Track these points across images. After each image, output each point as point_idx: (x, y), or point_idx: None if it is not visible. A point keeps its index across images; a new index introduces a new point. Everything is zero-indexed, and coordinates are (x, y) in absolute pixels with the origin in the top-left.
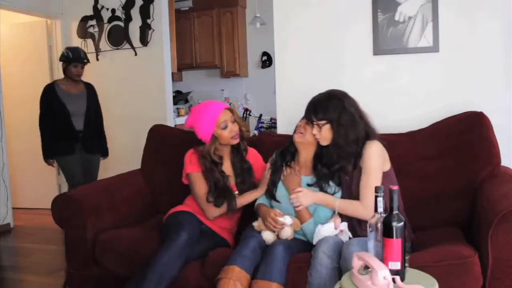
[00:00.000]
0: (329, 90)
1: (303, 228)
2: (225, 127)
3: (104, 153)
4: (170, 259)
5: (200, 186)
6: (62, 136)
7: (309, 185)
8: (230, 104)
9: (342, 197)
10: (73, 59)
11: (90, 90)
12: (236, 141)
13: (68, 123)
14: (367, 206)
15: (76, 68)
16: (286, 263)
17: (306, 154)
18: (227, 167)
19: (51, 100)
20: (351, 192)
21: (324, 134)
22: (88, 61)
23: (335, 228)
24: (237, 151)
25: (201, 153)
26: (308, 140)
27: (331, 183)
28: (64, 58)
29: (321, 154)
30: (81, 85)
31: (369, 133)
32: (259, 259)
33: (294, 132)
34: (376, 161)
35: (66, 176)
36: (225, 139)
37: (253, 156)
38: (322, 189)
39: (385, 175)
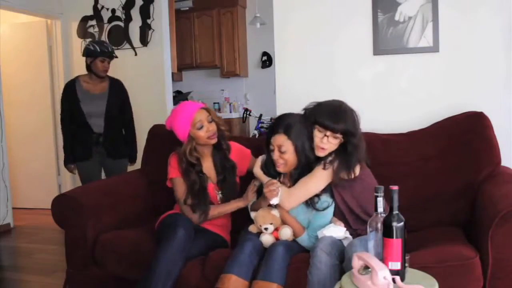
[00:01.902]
0: (339, 102)
1: (299, 242)
2: (201, 127)
3: (131, 157)
4: (172, 256)
5: (180, 191)
6: (80, 139)
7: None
8: (230, 104)
9: (337, 209)
10: (100, 53)
11: (114, 88)
12: (213, 141)
13: (85, 125)
14: (292, 194)
15: (103, 63)
16: (286, 263)
17: (290, 170)
18: (208, 166)
19: (68, 98)
20: (346, 204)
21: (333, 145)
22: (116, 56)
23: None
24: (218, 150)
25: (179, 155)
26: (290, 165)
27: (322, 198)
28: (90, 52)
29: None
30: (105, 82)
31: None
32: (256, 261)
33: (273, 164)
34: (328, 172)
35: (81, 182)
36: (202, 139)
37: (237, 152)
38: (313, 205)
39: (357, 179)
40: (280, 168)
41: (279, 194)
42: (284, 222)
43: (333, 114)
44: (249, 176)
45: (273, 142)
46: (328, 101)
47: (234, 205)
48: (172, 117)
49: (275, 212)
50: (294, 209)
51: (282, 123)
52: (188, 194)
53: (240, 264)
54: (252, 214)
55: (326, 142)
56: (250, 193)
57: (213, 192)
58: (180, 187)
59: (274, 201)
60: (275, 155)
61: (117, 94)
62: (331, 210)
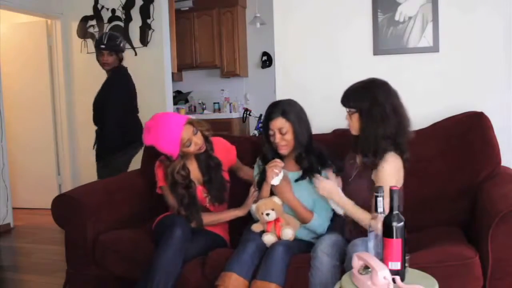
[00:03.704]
0: (371, 78)
1: (310, 227)
2: (190, 145)
3: (97, 155)
4: (171, 256)
5: (172, 199)
6: None
7: (296, 180)
8: (230, 104)
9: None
10: (95, 46)
11: (107, 80)
12: (202, 150)
13: None
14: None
15: (102, 56)
16: (286, 264)
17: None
18: (193, 168)
19: None
20: (350, 192)
21: (354, 123)
22: (109, 47)
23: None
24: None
25: (165, 168)
26: (291, 145)
27: (323, 173)
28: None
29: (300, 153)
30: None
31: (398, 133)
32: (258, 262)
33: (272, 151)
34: (390, 182)
35: None
36: (192, 153)
37: (221, 148)
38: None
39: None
40: (283, 150)
41: (280, 175)
42: (292, 207)
43: (346, 92)
44: (246, 183)
45: (272, 126)
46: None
47: (232, 213)
48: (154, 135)
49: (276, 200)
50: (297, 193)
51: (278, 108)
52: (179, 206)
53: (242, 263)
54: (253, 206)
55: (348, 118)
56: (250, 200)
57: (202, 195)
58: (171, 196)
59: (274, 181)
60: (277, 138)
61: (104, 85)
62: None
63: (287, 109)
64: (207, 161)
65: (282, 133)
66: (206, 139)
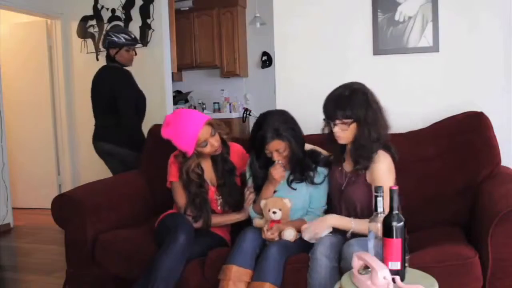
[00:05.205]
0: (348, 84)
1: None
2: (206, 145)
3: None
4: (173, 263)
5: (180, 196)
6: None
7: (291, 181)
8: (230, 104)
9: (330, 196)
10: (132, 42)
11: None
12: (218, 153)
13: None
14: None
15: (129, 52)
16: (280, 263)
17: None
18: (208, 169)
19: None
20: (346, 200)
21: (349, 133)
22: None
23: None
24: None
25: (180, 165)
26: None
27: (319, 169)
28: (114, 43)
29: (295, 166)
30: None
31: (386, 132)
32: (258, 250)
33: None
34: (388, 180)
35: None
36: (207, 153)
37: (237, 153)
38: (311, 180)
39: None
40: (283, 164)
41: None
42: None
43: (335, 102)
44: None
45: (269, 148)
46: (335, 89)
47: (235, 217)
48: (173, 130)
49: (286, 201)
50: (295, 189)
51: (269, 129)
52: (189, 205)
53: (241, 253)
54: (263, 202)
55: (337, 130)
56: (247, 204)
57: (214, 197)
58: (180, 193)
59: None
60: (275, 156)
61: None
62: (325, 183)
63: (280, 128)
64: (222, 164)
65: (280, 152)
66: (224, 142)
